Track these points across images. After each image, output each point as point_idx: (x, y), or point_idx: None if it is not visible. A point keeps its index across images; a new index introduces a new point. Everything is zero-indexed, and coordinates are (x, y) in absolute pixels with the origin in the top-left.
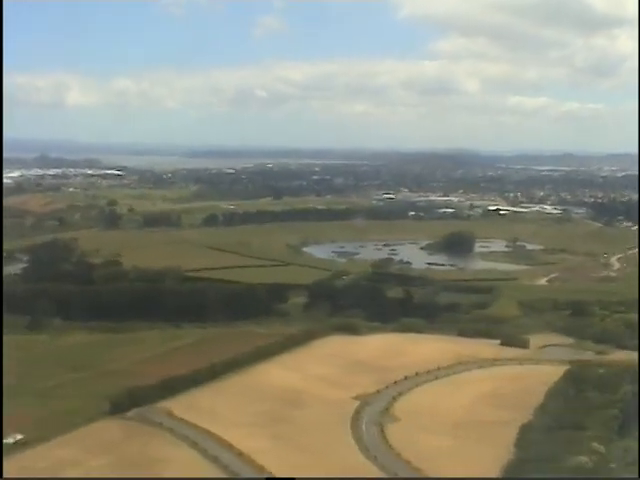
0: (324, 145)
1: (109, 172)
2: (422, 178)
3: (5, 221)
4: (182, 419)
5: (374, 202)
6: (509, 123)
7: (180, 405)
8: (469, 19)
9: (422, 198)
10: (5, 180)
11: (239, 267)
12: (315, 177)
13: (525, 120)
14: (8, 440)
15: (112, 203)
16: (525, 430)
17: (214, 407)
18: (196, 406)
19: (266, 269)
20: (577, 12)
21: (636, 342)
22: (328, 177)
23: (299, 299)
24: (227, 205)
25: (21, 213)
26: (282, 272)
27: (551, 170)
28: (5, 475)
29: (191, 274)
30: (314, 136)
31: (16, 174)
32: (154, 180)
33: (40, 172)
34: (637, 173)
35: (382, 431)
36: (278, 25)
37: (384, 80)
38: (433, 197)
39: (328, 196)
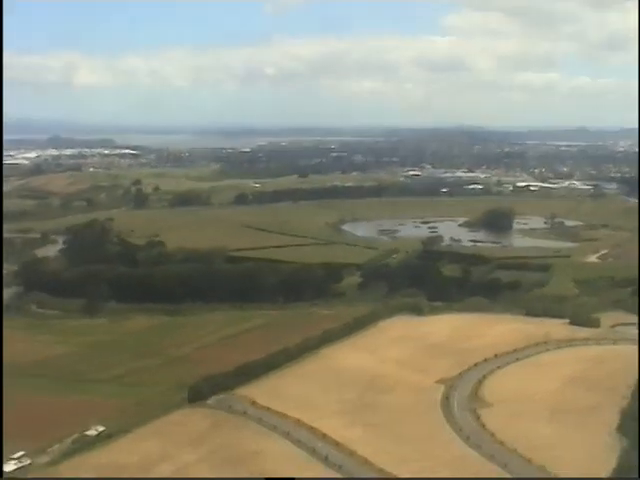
0: (334, 122)
1: (125, 151)
2: (441, 154)
3: (31, 202)
4: (267, 407)
5: (401, 179)
6: (519, 99)
7: (261, 392)
8: None
9: (448, 175)
10: (22, 161)
11: (284, 247)
12: (333, 154)
13: (535, 96)
14: (91, 432)
15: (136, 183)
16: (626, 416)
17: (297, 394)
18: (277, 393)
19: (311, 248)
20: None
21: None
22: (346, 154)
23: (353, 278)
24: (253, 183)
25: (46, 194)
26: (329, 251)
27: (568, 145)
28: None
29: (238, 254)
30: (323, 113)
31: (32, 154)
32: (172, 159)
33: (56, 152)
34: None
35: (477, 418)
36: (289, 1)
37: (394, 57)
38: (459, 173)
39: (353, 173)
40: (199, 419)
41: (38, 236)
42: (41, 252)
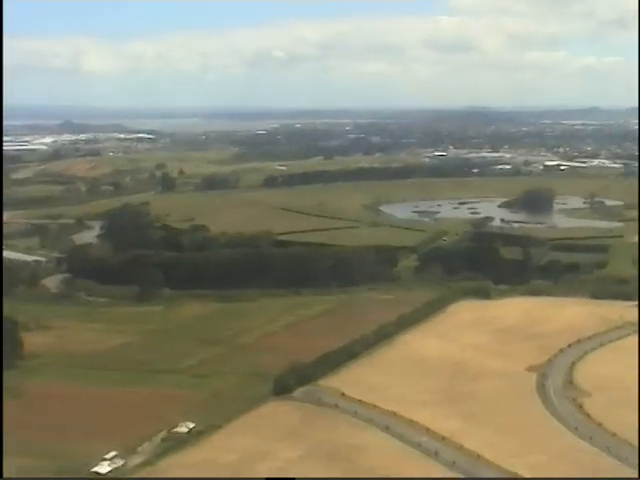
0: (343, 104)
1: (139, 136)
2: (457, 135)
3: (57, 188)
4: (359, 400)
5: (427, 160)
6: (525, 79)
7: (345, 383)
8: None
9: (473, 155)
10: (39, 146)
11: (328, 229)
12: (350, 136)
13: (542, 75)
14: (181, 429)
15: (160, 166)
16: None
17: (383, 384)
18: (364, 383)
19: (356, 231)
20: None
21: None
22: (363, 135)
23: (407, 262)
24: (278, 166)
25: (70, 179)
26: (375, 234)
27: (583, 124)
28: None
29: (285, 238)
30: (332, 96)
31: (48, 140)
32: (188, 142)
33: (72, 137)
34: None
35: (580, 407)
36: None
37: (401, 38)
38: (483, 153)
39: (376, 154)
40: (289, 412)
41: (72, 222)
42: (77, 238)
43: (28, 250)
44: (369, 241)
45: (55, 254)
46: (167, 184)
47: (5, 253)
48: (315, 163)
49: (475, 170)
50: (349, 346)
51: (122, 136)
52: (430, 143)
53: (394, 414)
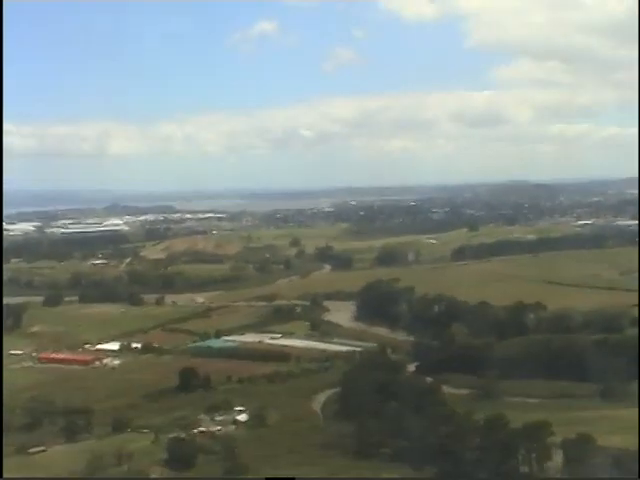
0: (373, 182)
1: (209, 215)
2: (541, 207)
3: (215, 267)
4: None
5: (578, 229)
6: (553, 150)
7: None
8: (544, 42)
9: (621, 223)
10: (119, 227)
11: None
12: (435, 210)
13: (568, 147)
14: None
15: (295, 243)
16: None
17: None
18: None
19: None
20: None
21: None
22: (448, 209)
23: None
24: (426, 239)
25: (215, 257)
26: None
27: None
28: None
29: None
30: (361, 174)
31: (117, 221)
32: (273, 220)
33: (140, 218)
34: None
35: None
36: (352, 57)
37: (430, 114)
38: (622, 222)
39: (515, 226)
40: None
41: (307, 303)
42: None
43: (311, 337)
44: None
45: (350, 342)
46: (340, 261)
47: (294, 342)
48: (464, 235)
49: None
50: None
51: (189, 216)
52: (527, 215)
53: None
